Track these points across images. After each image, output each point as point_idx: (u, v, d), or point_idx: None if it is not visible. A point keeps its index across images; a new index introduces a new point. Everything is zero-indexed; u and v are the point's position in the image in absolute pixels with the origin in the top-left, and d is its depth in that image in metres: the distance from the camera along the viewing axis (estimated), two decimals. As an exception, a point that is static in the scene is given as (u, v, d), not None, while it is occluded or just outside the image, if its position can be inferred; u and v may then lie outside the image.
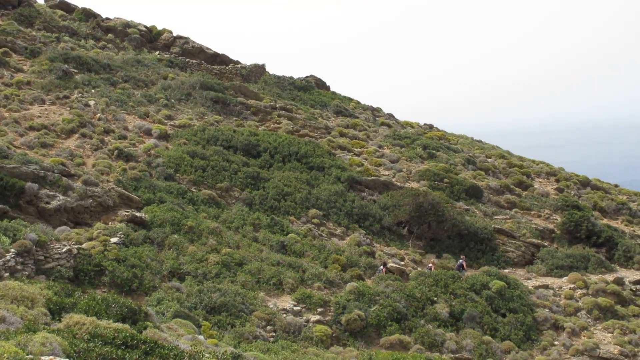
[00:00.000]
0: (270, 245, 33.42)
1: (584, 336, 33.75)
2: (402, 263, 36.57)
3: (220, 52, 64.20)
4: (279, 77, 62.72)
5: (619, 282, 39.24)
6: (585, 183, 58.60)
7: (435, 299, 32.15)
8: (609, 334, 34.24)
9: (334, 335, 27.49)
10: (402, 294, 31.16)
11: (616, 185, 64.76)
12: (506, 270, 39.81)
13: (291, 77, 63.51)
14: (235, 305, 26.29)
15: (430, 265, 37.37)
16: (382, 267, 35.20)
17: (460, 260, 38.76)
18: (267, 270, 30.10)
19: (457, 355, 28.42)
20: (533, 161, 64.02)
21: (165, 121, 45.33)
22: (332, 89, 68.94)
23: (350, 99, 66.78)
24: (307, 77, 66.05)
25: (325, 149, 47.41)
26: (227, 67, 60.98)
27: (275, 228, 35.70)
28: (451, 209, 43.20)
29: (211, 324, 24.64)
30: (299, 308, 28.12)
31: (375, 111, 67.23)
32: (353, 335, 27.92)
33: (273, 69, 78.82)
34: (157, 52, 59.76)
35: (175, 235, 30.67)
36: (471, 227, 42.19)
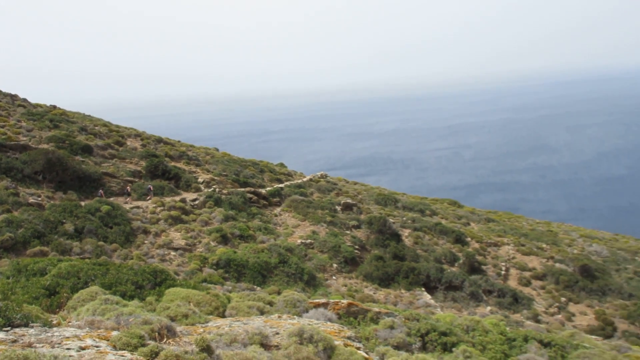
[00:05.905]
0: None
1: (163, 236, 40.80)
2: (40, 199, 40.78)
3: None
4: None
5: (183, 201, 48.62)
6: (159, 140, 72.16)
7: (64, 220, 36.89)
8: (179, 233, 42.06)
9: (-8, 252, 29.73)
10: (40, 219, 35.23)
11: (179, 141, 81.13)
12: (111, 199, 46.94)
13: None
14: None
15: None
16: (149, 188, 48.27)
17: (149, 186, 49.87)
18: None
19: (81, 256, 32.51)
20: (126, 127, 76.58)
21: None
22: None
23: (-9, 88, 69.08)
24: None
25: (-24, 124, 51.28)
26: None
27: None
28: (72, 161, 48.47)
29: None
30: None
31: (14, 97, 73.29)
32: (7, 251, 31.11)
33: None
34: None
35: None
36: (86, 172, 48.67)
